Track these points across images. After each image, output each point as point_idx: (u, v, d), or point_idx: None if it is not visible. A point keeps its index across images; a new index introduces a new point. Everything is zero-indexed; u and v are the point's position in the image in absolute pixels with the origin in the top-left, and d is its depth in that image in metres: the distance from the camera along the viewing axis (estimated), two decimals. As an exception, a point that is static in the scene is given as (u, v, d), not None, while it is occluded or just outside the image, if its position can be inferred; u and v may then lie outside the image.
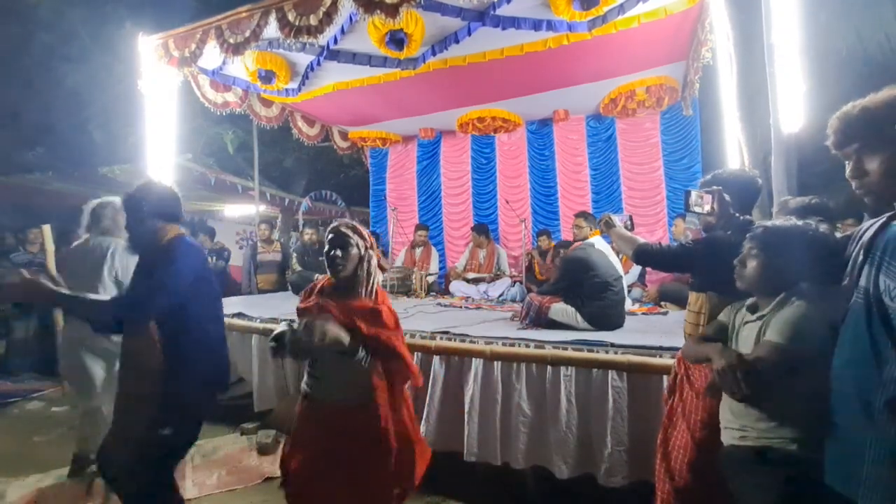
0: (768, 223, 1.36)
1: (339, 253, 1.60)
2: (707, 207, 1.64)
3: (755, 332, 1.32)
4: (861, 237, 1.11)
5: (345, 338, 1.51)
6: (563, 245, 4.56)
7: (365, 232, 1.70)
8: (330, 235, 1.64)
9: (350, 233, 1.65)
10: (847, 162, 1.06)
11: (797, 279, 1.32)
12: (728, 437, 1.37)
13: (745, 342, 1.36)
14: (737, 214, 1.65)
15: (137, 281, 1.69)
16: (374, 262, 1.69)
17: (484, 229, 5.70)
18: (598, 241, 3.26)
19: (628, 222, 2.16)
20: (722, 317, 1.51)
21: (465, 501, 2.49)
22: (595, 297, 2.99)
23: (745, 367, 1.21)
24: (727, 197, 1.64)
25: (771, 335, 1.26)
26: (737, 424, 1.33)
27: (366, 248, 1.66)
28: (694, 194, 1.66)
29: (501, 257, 5.65)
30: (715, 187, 1.63)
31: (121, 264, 2.63)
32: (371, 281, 1.65)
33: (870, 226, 1.10)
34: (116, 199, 2.64)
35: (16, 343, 4.93)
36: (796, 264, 1.28)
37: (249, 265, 5.58)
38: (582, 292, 3.03)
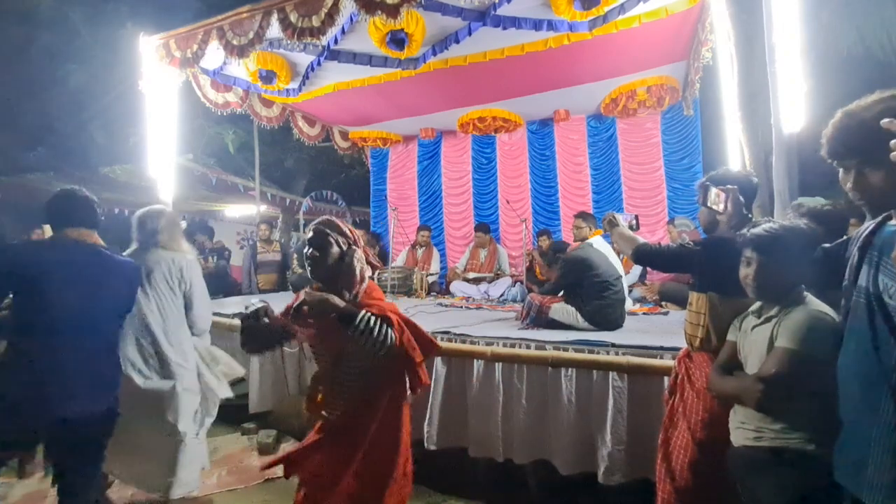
0: (758, 229, 1.35)
1: (316, 252, 1.54)
2: (721, 206, 1.62)
3: (766, 335, 1.31)
4: (858, 238, 1.12)
5: (339, 302, 1.43)
6: (559, 248, 4.49)
7: (347, 228, 1.63)
8: (308, 234, 1.58)
9: (329, 230, 1.58)
10: (840, 170, 1.07)
11: (799, 280, 1.31)
12: (741, 438, 1.36)
13: (756, 346, 1.35)
14: (749, 215, 1.63)
15: None
16: (359, 258, 1.59)
17: (487, 229, 5.72)
18: (597, 241, 3.26)
19: (633, 222, 2.12)
20: (730, 336, 1.50)
21: (467, 500, 2.49)
22: (595, 297, 2.99)
23: (772, 389, 1.22)
24: (741, 198, 1.62)
25: (783, 341, 1.25)
26: (752, 426, 1.32)
27: (348, 245, 1.59)
28: (713, 191, 1.63)
29: (502, 257, 5.66)
30: (730, 186, 1.61)
31: (188, 278, 2.39)
32: (355, 279, 1.56)
33: (866, 228, 1.11)
34: (165, 208, 2.50)
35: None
36: (796, 265, 1.28)
37: (249, 265, 5.58)
38: (582, 292, 3.03)
